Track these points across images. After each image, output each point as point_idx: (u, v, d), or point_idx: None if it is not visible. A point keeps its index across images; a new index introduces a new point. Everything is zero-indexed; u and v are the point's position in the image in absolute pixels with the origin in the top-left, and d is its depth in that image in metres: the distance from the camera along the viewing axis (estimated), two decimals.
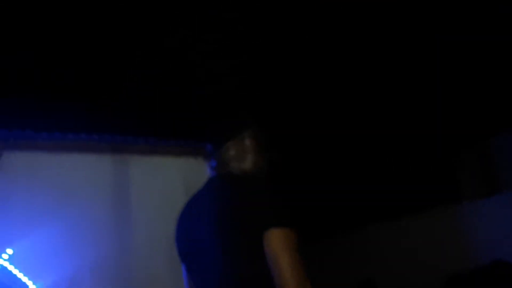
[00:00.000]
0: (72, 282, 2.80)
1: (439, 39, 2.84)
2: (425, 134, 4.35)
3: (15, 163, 2.93)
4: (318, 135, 3.87)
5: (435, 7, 2.56)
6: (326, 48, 2.89)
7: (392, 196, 4.98)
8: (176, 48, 2.63)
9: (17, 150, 2.96)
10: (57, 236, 2.83)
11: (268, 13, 2.47)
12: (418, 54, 3.04)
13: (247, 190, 1.31)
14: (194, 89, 3.12)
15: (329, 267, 4.92)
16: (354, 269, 5.07)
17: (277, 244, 1.18)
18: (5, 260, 2.69)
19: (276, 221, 1.21)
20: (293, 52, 2.90)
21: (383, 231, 5.02)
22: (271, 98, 3.38)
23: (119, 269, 3.03)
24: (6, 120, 2.87)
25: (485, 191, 4.69)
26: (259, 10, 2.43)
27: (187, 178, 3.48)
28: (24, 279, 2.71)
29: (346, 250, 5.30)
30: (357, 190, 4.70)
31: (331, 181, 4.56)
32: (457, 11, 2.62)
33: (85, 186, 3.13)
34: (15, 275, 2.70)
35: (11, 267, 2.70)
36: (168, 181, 3.41)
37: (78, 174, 3.13)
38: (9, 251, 2.71)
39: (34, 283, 2.73)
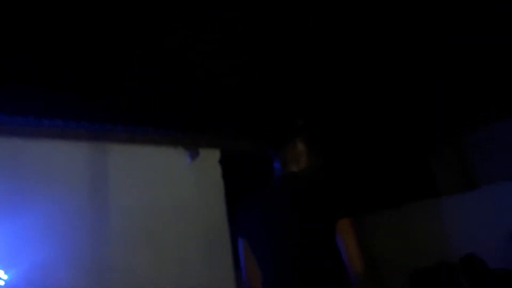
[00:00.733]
0: (45, 271, 2.73)
1: (421, 36, 2.86)
2: (404, 131, 4.40)
3: None
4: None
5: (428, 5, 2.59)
6: (325, 48, 2.93)
7: (371, 190, 5.03)
8: (176, 48, 2.66)
9: None
10: (30, 224, 2.75)
11: (268, 13, 2.49)
12: (397, 53, 3.05)
13: (319, 185, 1.67)
14: (193, 89, 3.15)
15: None
16: None
17: (348, 230, 1.56)
18: None
19: (346, 212, 1.59)
20: (293, 52, 2.93)
21: (361, 225, 5.06)
22: (270, 98, 3.44)
23: (95, 259, 2.96)
24: None
25: (462, 186, 4.77)
26: (259, 10, 2.45)
27: (166, 167, 3.43)
28: None
29: None
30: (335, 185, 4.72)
31: None
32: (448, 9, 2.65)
33: (61, 174, 3.04)
34: None
35: None
36: (147, 170, 3.35)
37: (54, 162, 3.05)
38: None
39: (5, 272, 2.65)
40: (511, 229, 4.03)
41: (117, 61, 2.69)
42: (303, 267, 1.61)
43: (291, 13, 2.51)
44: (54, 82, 2.72)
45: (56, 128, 3.08)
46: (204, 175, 3.57)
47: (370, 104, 3.77)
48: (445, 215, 4.79)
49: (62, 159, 3.08)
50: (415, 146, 5.03)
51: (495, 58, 3.26)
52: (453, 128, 4.73)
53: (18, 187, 2.82)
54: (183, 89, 3.14)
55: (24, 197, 2.81)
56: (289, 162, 1.79)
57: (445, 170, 4.99)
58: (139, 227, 3.18)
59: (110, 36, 2.45)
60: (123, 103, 3.12)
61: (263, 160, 4.08)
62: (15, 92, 2.78)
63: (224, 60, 2.87)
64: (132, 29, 2.42)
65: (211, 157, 3.63)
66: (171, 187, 3.40)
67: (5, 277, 2.64)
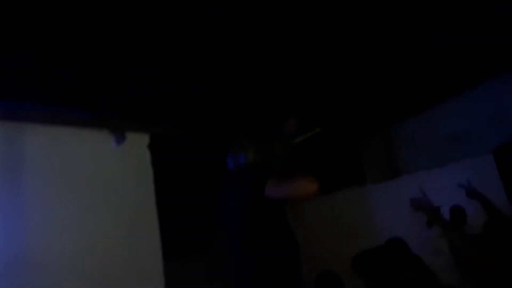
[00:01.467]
0: None
1: (355, 29, 2.91)
2: (335, 121, 4.51)
3: None
4: None
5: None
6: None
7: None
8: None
9: None
10: None
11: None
12: (335, 44, 3.09)
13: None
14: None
15: None
16: None
17: None
18: None
19: None
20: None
21: (290, 212, 5.13)
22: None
23: (9, 250, 2.72)
24: None
25: (388, 175, 4.99)
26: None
27: (90, 151, 3.23)
28: None
29: None
30: None
31: None
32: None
33: None
34: None
35: None
36: (69, 153, 3.12)
37: None
38: None
39: None
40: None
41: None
42: None
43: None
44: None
45: None
46: (132, 160, 3.41)
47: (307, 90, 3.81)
48: (370, 202, 5.00)
49: None
50: (346, 136, 5.17)
51: (423, 52, 3.39)
52: (381, 119, 4.92)
53: None
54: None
55: None
56: None
57: (372, 159, 5.19)
58: (59, 215, 2.97)
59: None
60: (36, 75, 2.92)
61: (195, 145, 3.99)
62: None
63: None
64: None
65: (139, 142, 3.47)
66: (94, 172, 3.21)
67: None
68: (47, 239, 2.87)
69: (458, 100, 4.44)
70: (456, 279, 3.37)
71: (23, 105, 3.03)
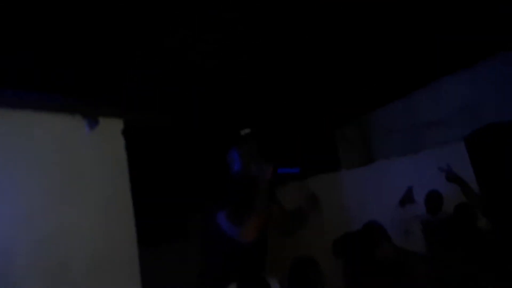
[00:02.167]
0: None
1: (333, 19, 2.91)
2: (312, 108, 4.54)
3: None
4: None
5: None
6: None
7: (279, 162, 5.11)
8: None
9: None
10: None
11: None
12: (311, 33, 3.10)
13: None
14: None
15: None
16: None
17: None
18: None
19: None
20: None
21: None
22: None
23: None
24: None
25: (363, 162, 5.07)
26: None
27: (62, 137, 3.13)
28: None
29: None
30: None
31: None
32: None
33: None
34: None
35: None
36: (39, 139, 3.02)
37: None
38: None
39: None
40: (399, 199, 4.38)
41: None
42: None
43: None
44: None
45: None
46: (105, 146, 3.33)
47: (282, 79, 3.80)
48: (344, 187, 5.07)
49: None
50: (322, 123, 5.21)
51: (398, 42, 3.42)
52: (357, 107, 4.97)
53: None
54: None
55: None
56: None
57: (347, 146, 5.25)
58: (30, 202, 2.88)
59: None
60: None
61: (171, 133, 3.95)
62: None
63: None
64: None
65: (113, 127, 3.39)
66: (66, 158, 3.12)
67: None
68: (16, 227, 2.78)
69: (431, 89, 4.51)
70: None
71: None
